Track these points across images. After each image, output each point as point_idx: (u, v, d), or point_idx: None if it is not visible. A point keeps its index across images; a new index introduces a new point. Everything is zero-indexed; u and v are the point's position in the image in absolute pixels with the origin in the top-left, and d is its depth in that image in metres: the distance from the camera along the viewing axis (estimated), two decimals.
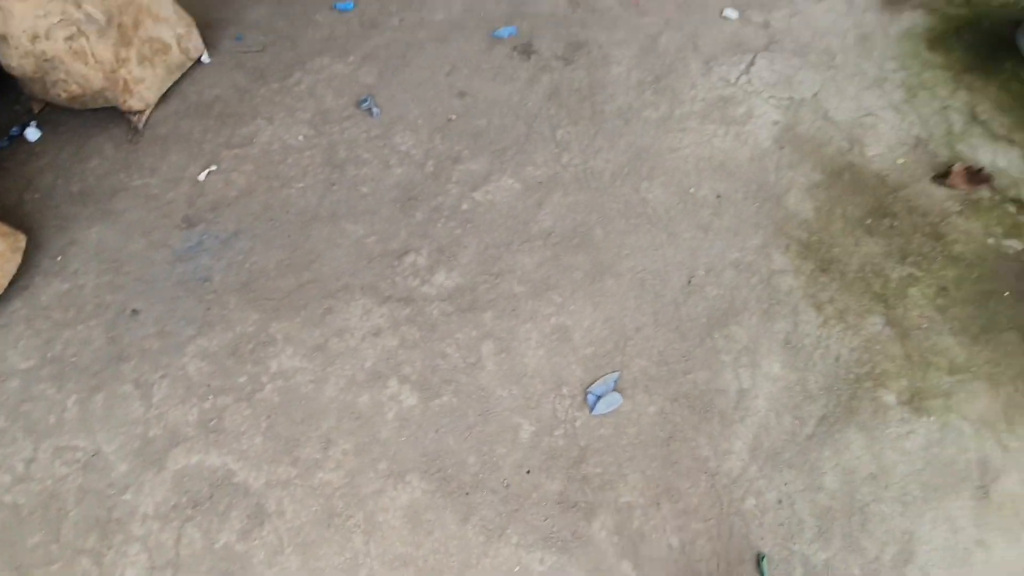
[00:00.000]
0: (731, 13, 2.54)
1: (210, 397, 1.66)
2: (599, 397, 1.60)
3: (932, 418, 1.55)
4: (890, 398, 1.58)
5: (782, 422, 1.56)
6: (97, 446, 1.61)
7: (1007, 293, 1.73)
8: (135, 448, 1.59)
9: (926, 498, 1.44)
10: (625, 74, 2.36)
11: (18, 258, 1.88)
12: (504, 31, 2.54)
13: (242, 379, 1.68)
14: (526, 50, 2.47)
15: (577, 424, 1.57)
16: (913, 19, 2.46)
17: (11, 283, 1.86)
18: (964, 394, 1.58)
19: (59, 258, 1.96)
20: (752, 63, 2.36)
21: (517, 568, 1.39)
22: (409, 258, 1.89)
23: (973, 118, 2.13)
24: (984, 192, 1.94)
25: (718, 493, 1.47)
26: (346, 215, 2.01)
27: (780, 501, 1.46)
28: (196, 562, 1.44)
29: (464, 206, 2.01)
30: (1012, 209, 1.90)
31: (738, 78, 2.31)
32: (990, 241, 1.84)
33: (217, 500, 1.51)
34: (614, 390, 1.61)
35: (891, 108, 2.18)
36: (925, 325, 1.69)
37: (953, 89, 2.21)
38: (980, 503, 1.43)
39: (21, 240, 1.91)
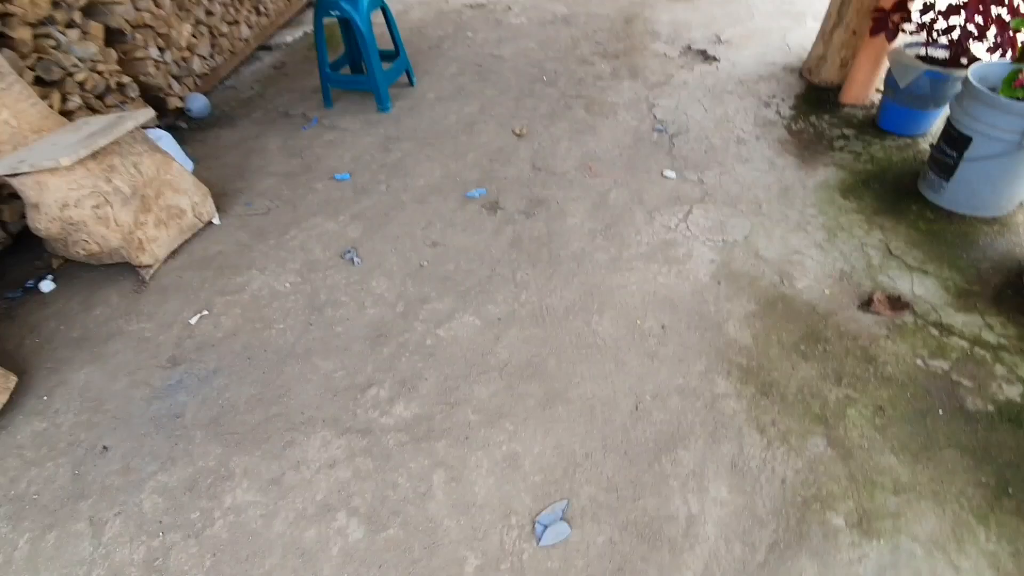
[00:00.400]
0: (670, 174, 2.95)
1: (160, 534, 1.66)
2: (546, 527, 1.59)
3: (882, 541, 1.52)
4: (839, 521, 1.56)
5: (732, 550, 1.53)
6: None
7: (941, 411, 1.79)
8: None
9: None
10: (579, 224, 2.68)
11: (4, 397, 2.01)
12: (475, 192, 2.93)
13: (195, 515, 1.70)
14: (493, 207, 2.84)
15: (524, 557, 1.55)
16: (827, 174, 2.84)
17: None
18: (911, 514, 1.56)
19: (44, 398, 2.08)
20: (689, 212, 2.68)
21: None
22: (372, 391, 2.00)
23: (889, 252, 2.37)
24: (907, 317, 2.09)
25: None
26: (319, 352, 2.17)
27: None
28: None
29: (428, 341, 2.17)
30: (935, 332, 2.03)
31: (677, 225, 2.62)
32: (919, 362, 1.94)
33: None
34: (562, 519, 1.61)
35: (815, 246, 2.44)
36: (865, 445, 1.72)
37: (868, 229, 2.49)
38: None
39: (11, 381, 2.05)
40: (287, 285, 2.48)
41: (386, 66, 3.83)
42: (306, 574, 1.54)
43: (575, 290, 2.34)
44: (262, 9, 4.92)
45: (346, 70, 4.03)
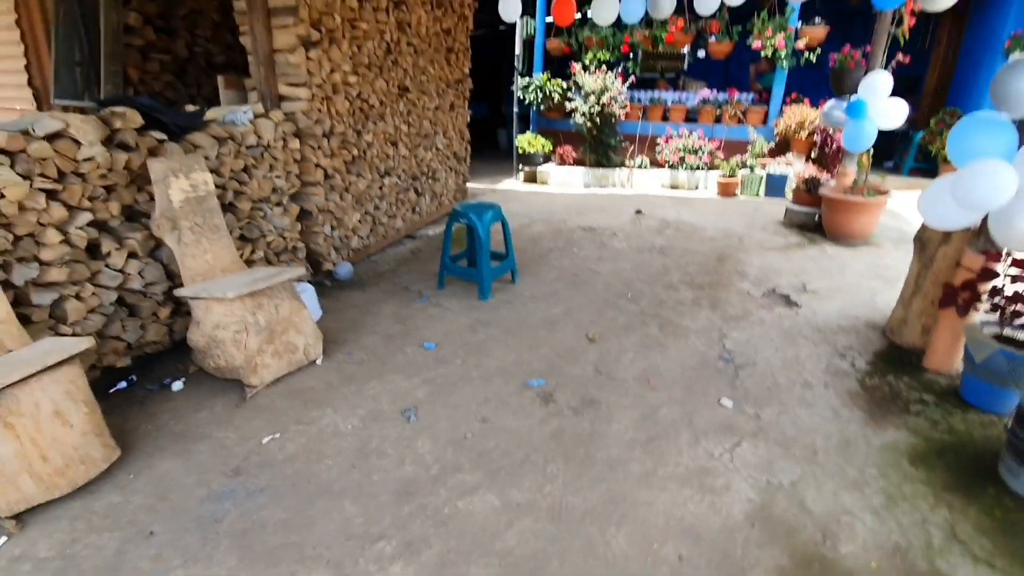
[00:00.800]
0: (727, 402, 3.00)
1: None
2: None
3: None
4: None
5: None
6: None
7: None
8: None
9: None
10: (622, 431, 2.77)
11: (102, 467, 2.43)
12: (535, 382, 3.20)
13: None
14: (547, 398, 3.05)
15: None
16: (896, 436, 2.69)
17: (85, 485, 2.37)
18: None
19: (131, 476, 2.47)
20: (738, 444, 2.66)
21: None
22: (380, 544, 2.11)
23: (953, 535, 2.10)
24: None
25: None
26: (351, 494, 2.36)
27: None
28: None
29: (446, 510, 2.27)
30: None
31: (722, 455, 2.59)
32: None
33: None
34: None
35: (869, 511, 2.25)
36: None
37: (933, 504, 2.26)
38: None
39: (114, 455, 2.49)
40: (349, 427, 2.80)
41: (495, 264, 4.55)
42: None
43: (600, 495, 2.35)
44: (417, 210, 6.22)
45: (463, 263, 4.83)
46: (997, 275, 2.80)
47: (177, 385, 3.17)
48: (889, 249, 5.43)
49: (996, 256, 2.82)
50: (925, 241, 3.35)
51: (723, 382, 3.20)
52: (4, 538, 2.14)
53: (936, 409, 2.90)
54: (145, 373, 3.29)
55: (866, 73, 5.18)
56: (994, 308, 2.80)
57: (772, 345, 3.60)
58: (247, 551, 2.08)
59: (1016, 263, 2.75)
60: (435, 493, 2.36)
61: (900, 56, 5.65)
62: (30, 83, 4.69)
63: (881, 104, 5.02)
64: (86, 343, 2.41)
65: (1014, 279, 2.74)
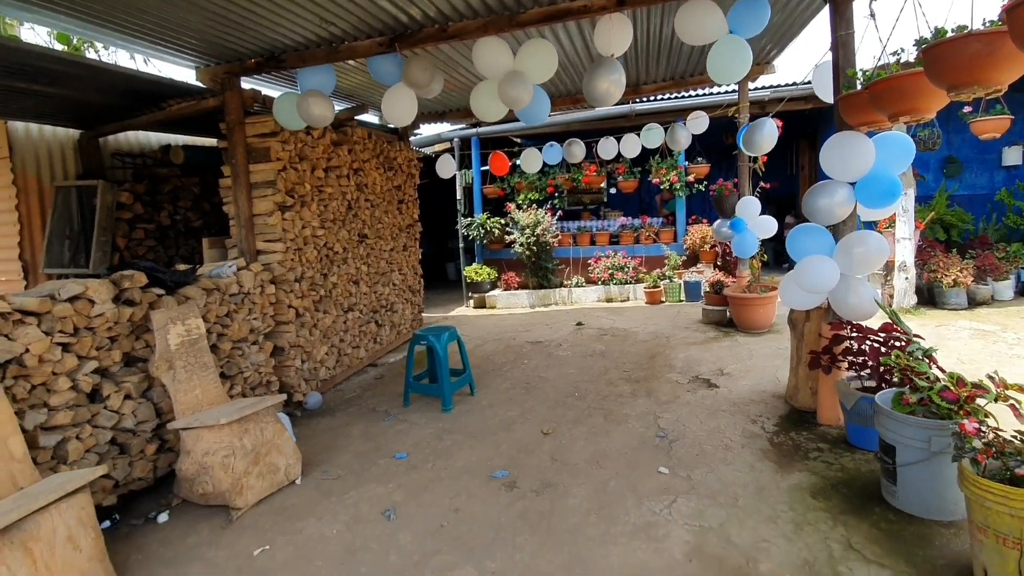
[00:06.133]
0: (664, 470, 3.50)
1: None
2: None
3: None
4: None
5: None
6: None
7: None
8: None
9: None
10: (578, 504, 3.19)
11: None
12: (499, 473, 3.61)
13: None
14: (511, 485, 3.45)
15: None
16: (800, 478, 3.25)
17: None
18: None
19: None
20: (674, 501, 3.13)
21: None
22: None
23: (850, 546, 2.61)
24: None
25: None
26: None
27: None
28: None
29: None
30: None
31: (662, 510, 3.05)
32: None
33: None
34: None
35: (782, 537, 2.73)
36: None
37: (832, 525, 2.78)
38: None
39: None
40: (334, 532, 3.08)
41: (454, 379, 5.07)
42: None
43: (564, 556, 2.73)
44: (378, 340, 6.76)
45: (426, 381, 5.31)
46: (844, 339, 3.61)
47: (162, 517, 3.35)
48: (786, 334, 6.36)
49: (840, 325, 3.66)
50: (795, 320, 4.21)
51: (660, 454, 3.72)
52: None
53: (830, 454, 3.51)
54: (128, 510, 3.46)
55: (739, 199, 6.51)
56: (850, 366, 3.58)
57: (698, 420, 4.20)
58: None
59: (856, 329, 3.58)
60: (420, 575, 2.66)
61: (763, 184, 7.13)
62: (20, 256, 5.18)
63: (755, 220, 6.27)
64: (101, 470, 2.71)
65: (859, 342, 3.55)
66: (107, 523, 3.32)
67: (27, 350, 2.92)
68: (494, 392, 5.24)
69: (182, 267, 4.29)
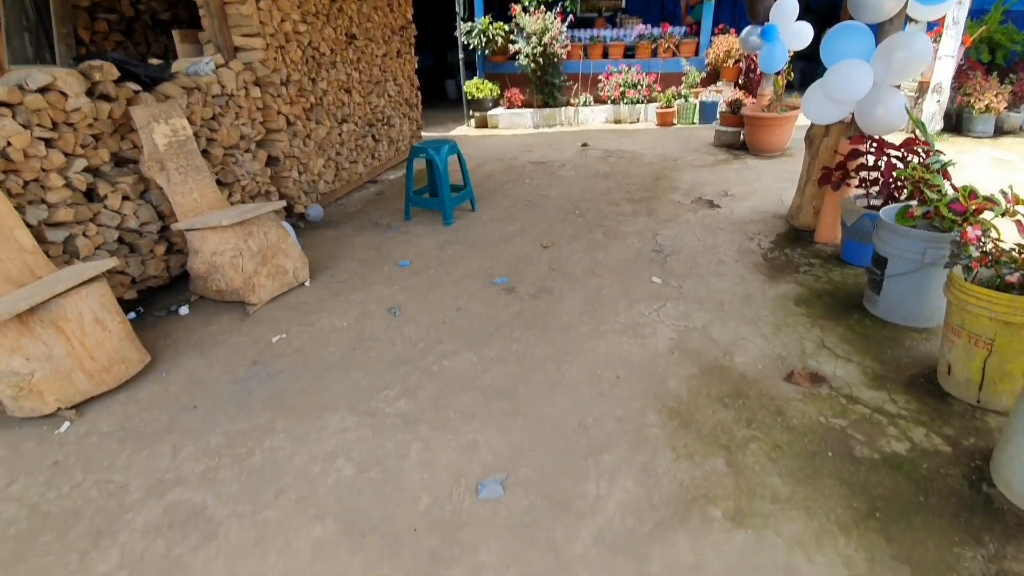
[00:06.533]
0: (656, 279, 3.63)
1: (216, 459, 2.31)
2: (485, 487, 2.07)
3: (750, 531, 1.85)
4: (717, 513, 1.92)
5: (625, 521, 1.92)
6: (127, 481, 2.24)
7: (830, 454, 2.14)
8: (151, 485, 2.21)
9: None
10: (572, 306, 3.37)
11: (139, 367, 2.87)
12: (499, 280, 3.75)
13: (242, 450, 2.35)
14: (510, 290, 3.62)
15: (464, 504, 2.02)
16: (786, 288, 3.39)
17: (127, 382, 2.81)
18: (782, 518, 1.89)
19: (164, 374, 2.92)
20: (663, 305, 3.30)
21: None
22: (384, 392, 2.66)
23: (822, 345, 2.81)
24: (823, 389, 2.49)
25: (558, 566, 1.79)
26: (355, 367, 2.89)
27: None
28: (151, 564, 1.89)
29: (434, 368, 2.84)
30: (843, 400, 2.41)
31: (651, 313, 3.23)
32: (821, 419, 2.32)
33: (188, 523, 2.03)
34: (499, 485, 2.09)
35: (760, 336, 2.93)
36: (757, 468, 2.09)
37: (809, 328, 2.97)
38: None
39: (147, 358, 2.93)
40: (344, 324, 3.30)
41: (454, 194, 5.01)
42: (306, 491, 2.11)
43: (555, 348, 2.96)
44: (376, 156, 6.55)
45: (426, 196, 5.26)
46: (862, 154, 3.46)
47: (183, 310, 3.58)
48: (799, 158, 6.13)
49: (860, 140, 3.48)
50: (812, 137, 4.00)
51: (654, 267, 3.83)
52: (68, 423, 2.58)
53: (820, 268, 3.61)
54: (150, 304, 3.68)
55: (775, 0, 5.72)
56: (861, 183, 3.48)
57: (695, 237, 4.25)
58: (278, 408, 2.60)
59: (876, 144, 3.41)
60: (424, 359, 2.92)
61: None
62: None
63: (790, 27, 5.60)
64: (112, 262, 2.80)
65: (876, 156, 3.41)
66: (132, 315, 3.56)
67: (8, 143, 2.81)
68: (495, 208, 5.23)
69: (155, 62, 3.93)
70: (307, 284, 3.88)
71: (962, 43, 6.51)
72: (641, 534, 1.87)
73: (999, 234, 2.46)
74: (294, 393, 2.70)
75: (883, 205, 3.29)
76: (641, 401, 2.50)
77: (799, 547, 1.79)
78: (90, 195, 3.31)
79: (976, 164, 5.62)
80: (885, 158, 3.34)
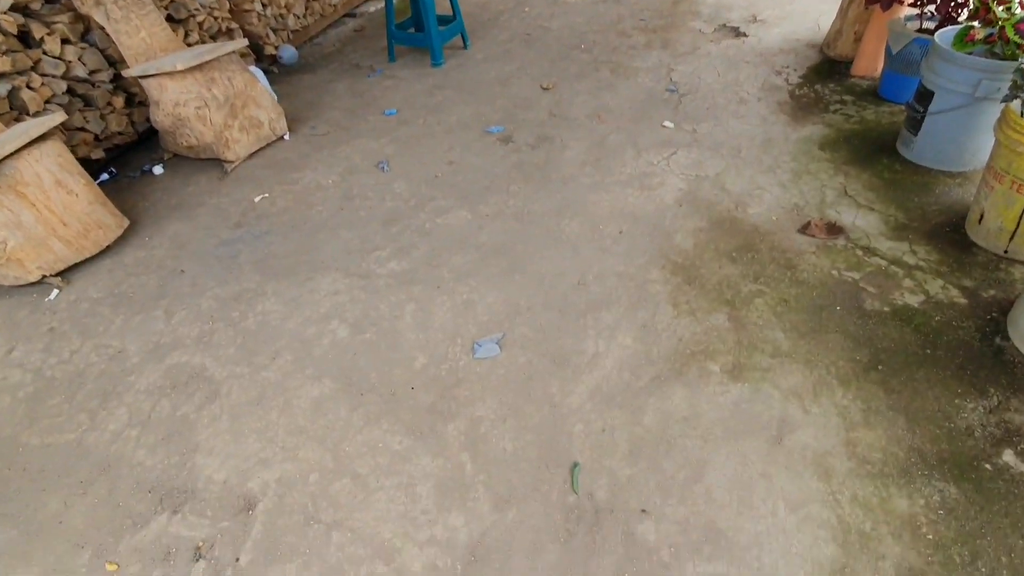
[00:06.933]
0: (668, 124, 3.29)
1: (210, 323, 2.28)
2: (481, 346, 2.04)
3: (747, 384, 1.84)
4: (715, 368, 1.90)
5: (622, 376, 1.91)
6: (124, 346, 2.24)
7: (838, 307, 2.06)
8: (149, 349, 2.21)
9: (726, 438, 1.70)
10: (574, 156, 3.10)
11: (119, 232, 2.74)
12: (494, 128, 3.42)
13: (235, 314, 2.31)
14: (506, 140, 3.31)
15: (460, 363, 2.01)
16: (812, 130, 3.07)
17: (108, 248, 2.70)
18: (780, 371, 1.87)
19: (147, 238, 2.80)
20: (674, 153, 3.02)
21: (380, 444, 1.77)
22: (376, 252, 2.54)
23: (844, 193, 2.60)
24: (839, 241, 2.34)
25: (555, 418, 1.81)
26: (344, 227, 2.74)
27: (604, 429, 1.77)
28: (159, 423, 1.94)
29: (427, 226, 2.68)
30: (860, 252, 2.27)
31: (660, 162, 2.97)
32: (834, 272, 2.20)
33: (189, 384, 2.05)
34: (495, 344, 2.06)
35: (778, 185, 2.71)
36: (760, 323, 2.03)
37: (832, 175, 2.72)
38: (772, 447, 1.67)
39: (124, 222, 2.79)
40: (330, 182, 3.09)
41: (442, 28, 4.40)
42: (302, 352, 2.10)
43: (555, 202, 2.76)
44: None
45: (411, 31, 4.64)
46: None
47: (158, 169, 3.34)
48: None
49: None
50: None
51: (667, 109, 3.46)
52: (56, 291, 2.53)
53: (853, 106, 3.24)
54: (123, 164, 3.43)
55: None
56: (916, 2, 2.94)
57: (715, 72, 3.77)
58: (267, 271, 2.51)
59: None
60: (416, 216, 2.75)
61: None
62: None
63: None
64: (60, 116, 2.52)
65: None
66: (105, 175, 3.34)
67: None
68: (489, 44, 4.63)
69: None
70: (286, 138, 3.57)
71: None
72: (637, 388, 1.87)
73: None
74: (282, 255, 2.60)
75: (938, 28, 2.82)
76: (644, 257, 2.38)
77: (795, 398, 1.79)
78: (26, 40, 2.89)
79: None
80: None
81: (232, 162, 3.27)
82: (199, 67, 3.03)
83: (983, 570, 1.37)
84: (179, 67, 2.90)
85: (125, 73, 3.08)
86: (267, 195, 3.03)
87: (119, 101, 3.34)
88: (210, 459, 1.81)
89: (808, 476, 1.59)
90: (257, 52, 4.43)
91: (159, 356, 2.17)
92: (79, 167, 2.62)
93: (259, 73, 3.85)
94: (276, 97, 3.99)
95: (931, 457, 1.60)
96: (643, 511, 1.56)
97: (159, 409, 1.98)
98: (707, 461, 1.66)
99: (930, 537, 1.44)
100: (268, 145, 3.48)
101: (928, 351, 1.88)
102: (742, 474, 1.62)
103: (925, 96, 2.54)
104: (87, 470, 1.84)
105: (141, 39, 3.16)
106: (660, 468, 1.65)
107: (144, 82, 3.09)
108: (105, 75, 3.25)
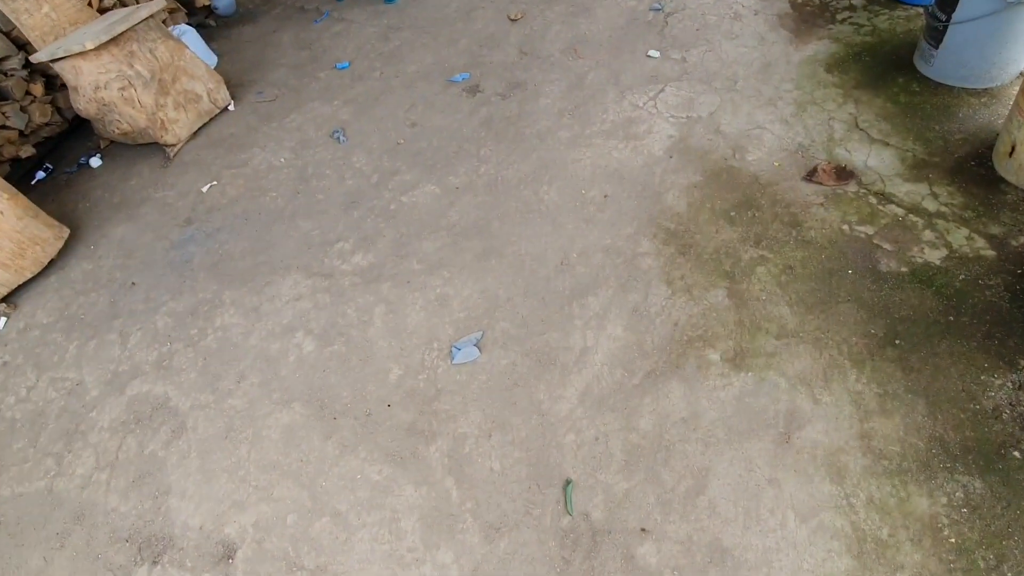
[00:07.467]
0: (654, 53, 2.90)
1: (167, 344, 2.11)
2: (459, 350, 1.87)
3: (750, 374, 1.68)
4: (715, 356, 1.73)
5: (614, 374, 1.75)
6: (82, 377, 2.08)
7: (850, 271, 1.85)
8: (107, 379, 2.05)
9: (729, 440, 1.56)
10: (550, 105, 2.76)
11: (60, 244, 2.50)
12: (458, 77, 3.05)
13: (193, 331, 2.13)
14: (473, 90, 2.95)
15: (438, 371, 1.85)
16: (817, 48, 2.69)
17: (52, 263, 2.48)
18: (787, 355, 1.70)
19: (92, 247, 2.57)
20: (662, 91, 2.68)
21: (359, 476, 1.65)
22: (339, 245, 2.32)
23: (855, 126, 2.30)
24: (850, 187, 2.08)
25: (544, 428, 1.67)
26: (302, 215, 2.49)
27: (596, 438, 1.63)
28: (127, 463, 1.82)
29: (392, 207, 2.43)
30: (873, 200, 2.03)
31: (646, 103, 2.63)
32: (844, 228, 1.97)
33: (154, 418, 1.91)
34: (474, 346, 1.88)
35: (779, 121, 2.40)
36: (763, 298, 1.84)
37: (841, 103, 2.40)
38: (780, 447, 1.53)
39: (64, 232, 2.54)
40: (282, 160, 2.79)
41: None
42: (269, 373, 1.94)
43: (532, 164, 2.48)
44: None
45: None
46: None
47: (95, 161, 3.03)
48: None
49: None
50: None
51: (652, 34, 3.04)
52: (4, 319, 2.34)
53: (864, 13, 2.82)
54: (58, 159, 3.12)
55: None
56: None
57: None
58: (224, 276, 2.30)
59: None
60: (379, 196, 2.49)
61: None
62: None
63: None
64: None
65: None
66: (41, 173, 3.05)
67: None
68: None
69: None
70: (231, 108, 3.22)
71: None
72: (631, 387, 1.72)
73: None
74: (238, 256, 2.37)
75: None
76: (633, 225, 2.14)
77: (803, 387, 1.63)
78: None
79: None
80: None
81: (173, 145, 2.96)
82: (114, 41, 2.65)
83: (1009, 575, 1.27)
84: (89, 45, 2.53)
85: (33, 59, 2.70)
86: (215, 183, 2.74)
87: (38, 88, 2.97)
88: (184, 502, 1.71)
89: (819, 479, 1.46)
90: (188, 5, 3.93)
91: (119, 387, 2.02)
92: (1, 181, 2.34)
93: (191, 33, 3.41)
94: (215, 59, 3.58)
95: (954, 447, 1.46)
96: (643, 530, 1.45)
97: (126, 448, 1.86)
98: (709, 468, 1.53)
99: (952, 541, 1.33)
100: (212, 120, 3.14)
101: (951, 318, 1.69)
102: (748, 481, 1.49)
103: (948, 3, 2.16)
104: (62, 520, 1.75)
105: (44, 15, 2.75)
106: (659, 479, 1.53)
107: (56, 66, 2.72)
108: (15, 61, 2.87)
